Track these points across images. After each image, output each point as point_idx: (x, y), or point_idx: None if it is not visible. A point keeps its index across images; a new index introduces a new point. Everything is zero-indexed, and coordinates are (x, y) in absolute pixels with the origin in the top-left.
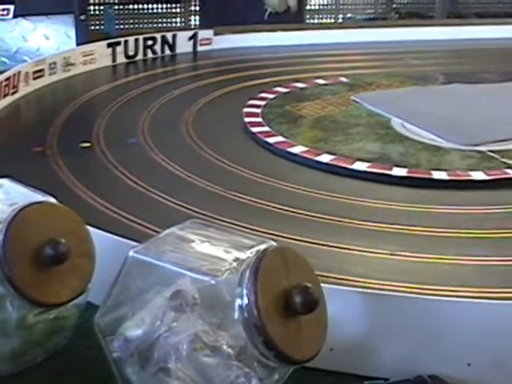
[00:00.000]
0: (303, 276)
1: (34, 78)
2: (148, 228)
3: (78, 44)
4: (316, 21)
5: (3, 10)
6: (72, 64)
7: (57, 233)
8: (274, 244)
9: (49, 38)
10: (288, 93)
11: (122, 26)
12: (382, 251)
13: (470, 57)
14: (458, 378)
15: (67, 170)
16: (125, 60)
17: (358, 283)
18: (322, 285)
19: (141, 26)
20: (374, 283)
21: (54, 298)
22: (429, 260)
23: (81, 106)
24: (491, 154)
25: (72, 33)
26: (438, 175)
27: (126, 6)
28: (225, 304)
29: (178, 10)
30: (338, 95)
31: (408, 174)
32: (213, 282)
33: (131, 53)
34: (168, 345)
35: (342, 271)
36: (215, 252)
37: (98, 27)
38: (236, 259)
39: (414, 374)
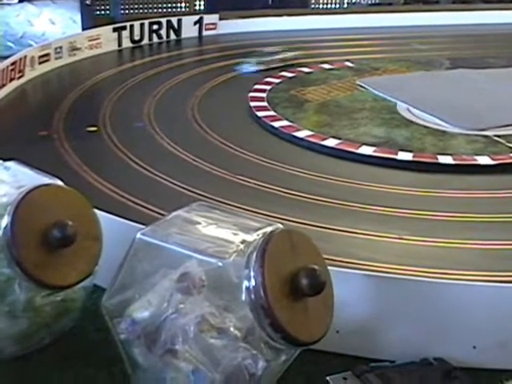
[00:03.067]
0: (310, 258)
1: (40, 63)
2: (154, 211)
3: (84, 29)
4: (321, 6)
5: None
6: (78, 48)
7: (64, 215)
8: (281, 226)
9: (54, 23)
10: (293, 77)
11: (127, 11)
12: (388, 235)
13: (475, 42)
14: (464, 361)
15: (74, 154)
16: (130, 44)
17: (364, 266)
18: (329, 267)
19: (146, 10)
20: (381, 266)
21: (62, 280)
22: (435, 244)
23: (87, 91)
24: (497, 138)
25: (77, 17)
26: (443, 160)
27: None
28: (232, 286)
29: None
30: (344, 80)
31: (414, 159)
32: (220, 264)
33: (137, 37)
34: (175, 327)
35: (348, 255)
36: (222, 234)
37: (103, 12)
38: (243, 241)
39: (419, 356)
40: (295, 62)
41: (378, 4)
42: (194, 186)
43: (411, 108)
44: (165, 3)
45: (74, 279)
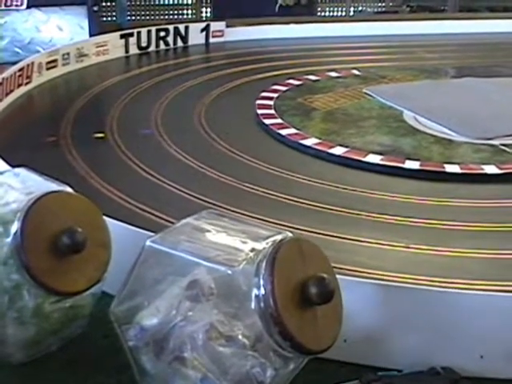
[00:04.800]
0: (319, 267)
1: (48, 69)
2: (161, 218)
3: (91, 35)
4: (327, 13)
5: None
6: (85, 55)
7: (74, 222)
8: (290, 235)
9: (62, 29)
10: (300, 85)
11: (133, 18)
12: (395, 244)
13: (482, 51)
14: (471, 370)
15: (81, 160)
16: (137, 51)
17: (371, 275)
18: (337, 276)
19: (152, 17)
20: (388, 275)
21: (71, 286)
22: (442, 253)
23: (94, 97)
24: (503, 147)
25: (85, 24)
26: (450, 168)
27: None
28: (241, 294)
29: (190, 2)
30: (351, 88)
31: (421, 167)
32: (229, 271)
33: (144, 44)
34: (183, 334)
35: (355, 263)
36: (231, 242)
37: (110, 18)
38: (252, 249)
39: (427, 365)
40: None
41: (385, 12)
42: (201, 192)
43: (418, 116)
44: (171, 10)
45: (83, 286)
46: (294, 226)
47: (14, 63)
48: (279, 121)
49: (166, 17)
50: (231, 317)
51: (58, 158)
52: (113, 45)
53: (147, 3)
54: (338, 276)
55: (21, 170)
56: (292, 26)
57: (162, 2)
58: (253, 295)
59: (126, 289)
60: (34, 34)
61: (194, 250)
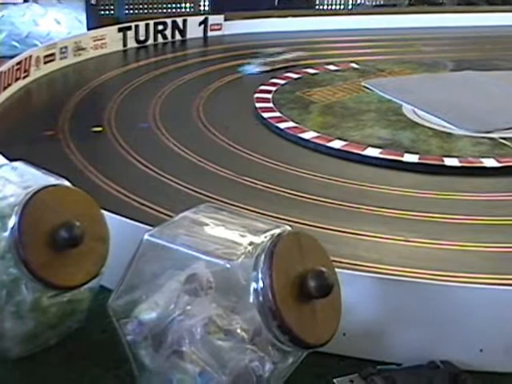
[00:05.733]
0: (318, 260)
1: (45, 63)
2: (160, 212)
3: (89, 29)
4: (326, 7)
5: None
6: (83, 48)
7: (72, 216)
8: (289, 228)
9: (60, 23)
10: (299, 78)
11: (131, 11)
12: (395, 237)
13: (481, 44)
14: (471, 364)
15: (79, 154)
16: (135, 45)
17: (371, 269)
18: (336, 270)
19: (150, 10)
20: (387, 269)
21: (68, 280)
22: (441, 246)
23: (92, 91)
24: (503, 140)
25: (83, 17)
26: (449, 162)
27: None
28: (239, 288)
29: None
30: (349, 81)
31: (419, 161)
32: (228, 265)
33: (142, 38)
34: (182, 328)
35: (355, 257)
36: (230, 236)
37: (108, 12)
38: (251, 243)
39: (426, 359)
40: (299, 63)
41: (383, 5)
42: (199, 186)
43: (417, 110)
44: (170, 3)
45: (81, 280)
46: (293, 219)
47: (12, 57)
48: (278, 114)
49: (164, 10)
50: (230, 311)
51: (55, 151)
52: (111, 38)
53: None
54: (336, 269)
55: (18, 164)
56: (290, 19)
57: None
58: (251, 289)
59: (124, 283)
60: (32, 28)
61: (193, 244)
